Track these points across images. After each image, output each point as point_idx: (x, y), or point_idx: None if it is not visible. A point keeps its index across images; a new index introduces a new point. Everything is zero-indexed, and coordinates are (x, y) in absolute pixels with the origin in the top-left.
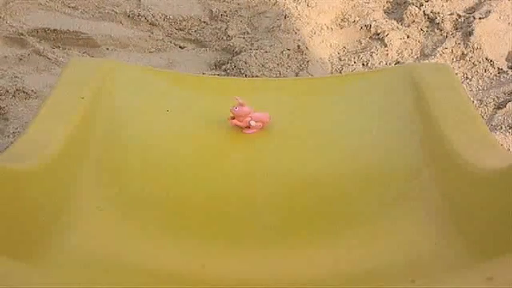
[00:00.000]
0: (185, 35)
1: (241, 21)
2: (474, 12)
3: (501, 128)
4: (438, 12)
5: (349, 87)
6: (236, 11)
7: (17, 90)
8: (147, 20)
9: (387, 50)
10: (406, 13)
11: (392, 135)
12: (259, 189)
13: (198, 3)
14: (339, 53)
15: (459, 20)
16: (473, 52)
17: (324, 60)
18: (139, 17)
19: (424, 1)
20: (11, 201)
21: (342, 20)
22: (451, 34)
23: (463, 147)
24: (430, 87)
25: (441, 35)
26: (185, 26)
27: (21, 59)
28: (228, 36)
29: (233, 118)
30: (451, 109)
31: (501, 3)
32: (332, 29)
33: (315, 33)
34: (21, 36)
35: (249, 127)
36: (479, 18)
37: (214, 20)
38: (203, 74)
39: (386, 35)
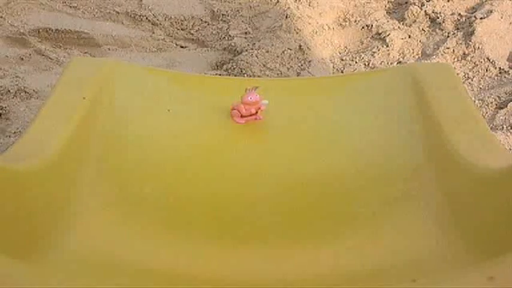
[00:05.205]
0: (186, 35)
1: (242, 21)
2: (475, 12)
3: (502, 127)
4: (439, 12)
5: (351, 87)
6: (237, 10)
7: (18, 90)
8: (149, 20)
9: (388, 50)
10: (407, 13)
11: (394, 134)
12: (260, 189)
13: (200, 3)
14: (340, 53)
15: (460, 19)
16: (474, 52)
17: (325, 60)
18: (141, 16)
19: (425, 1)
20: (11, 201)
21: (343, 19)
22: (453, 34)
23: (464, 147)
24: (431, 87)
25: (442, 34)
26: (186, 25)
27: (22, 59)
28: (230, 36)
29: (243, 115)
30: (452, 109)
31: (502, 3)
32: (333, 28)
33: (316, 33)
34: (23, 36)
35: (256, 113)
36: (481, 18)
37: (216, 20)
38: (204, 73)
39: (388, 35)
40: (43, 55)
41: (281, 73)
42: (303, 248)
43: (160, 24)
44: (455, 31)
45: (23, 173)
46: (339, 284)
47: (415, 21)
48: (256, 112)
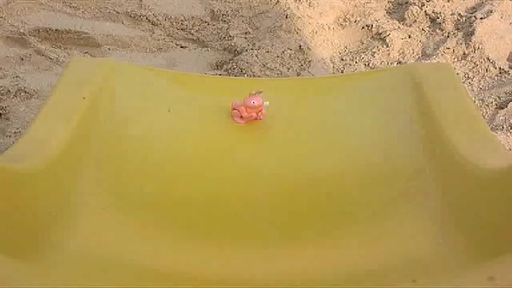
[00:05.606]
0: (186, 35)
1: (242, 21)
2: (475, 12)
3: (502, 127)
4: (439, 12)
5: (351, 87)
6: (237, 10)
7: (18, 90)
8: (149, 20)
9: (389, 50)
10: (407, 13)
11: (394, 134)
12: (260, 189)
13: (200, 3)
14: (340, 53)
15: (460, 20)
16: (474, 52)
17: (325, 60)
18: (141, 16)
19: (425, 1)
20: (11, 201)
21: (343, 20)
22: (453, 34)
23: (464, 147)
24: (431, 87)
25: (442, 34)
26: (186, 25)
27: (22, 59)
28: (230, 36)
29: (243, 116)
30: (452, 109)
31: (502, 3)
32: (333, 28)
33: (316, 33)
34: (23, 36)
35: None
36: (481, 18)
37: (216, 20)
38: (204, 73)
39: (388, 35)
40: (43, 55)
41: (281, 73)
42: (303, 248)
43: (160, 24)
44: (455, 31)
45: (23, 173)
46: (339, 284)
47: (415, 21)
48: (257, 114)
